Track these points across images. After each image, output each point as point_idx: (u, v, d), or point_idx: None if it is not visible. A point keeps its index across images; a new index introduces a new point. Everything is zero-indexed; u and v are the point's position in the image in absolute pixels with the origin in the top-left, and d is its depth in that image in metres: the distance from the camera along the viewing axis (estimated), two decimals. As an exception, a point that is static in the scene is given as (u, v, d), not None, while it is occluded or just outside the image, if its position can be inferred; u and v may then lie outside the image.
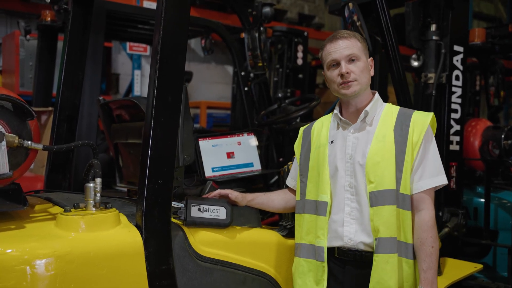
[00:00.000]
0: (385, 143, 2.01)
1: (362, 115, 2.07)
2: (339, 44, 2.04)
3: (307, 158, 2.19)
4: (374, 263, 1.97)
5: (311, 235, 2.12)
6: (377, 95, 2.14)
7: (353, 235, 2.03)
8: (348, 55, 2.03)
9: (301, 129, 2.34)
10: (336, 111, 2.15)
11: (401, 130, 2.03)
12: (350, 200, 2.05)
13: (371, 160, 2.00)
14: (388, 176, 1.98)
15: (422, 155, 2.02)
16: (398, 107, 2.15)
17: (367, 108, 2.07)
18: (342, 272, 2.08)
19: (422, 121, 2.03)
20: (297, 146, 2.32)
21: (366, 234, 2.01)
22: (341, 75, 2.02)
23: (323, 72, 2.16)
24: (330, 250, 2.08)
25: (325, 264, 2.07)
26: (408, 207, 2.00)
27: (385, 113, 2.10)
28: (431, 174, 2.02)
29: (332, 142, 2.13)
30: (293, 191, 2.35)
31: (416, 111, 2.09)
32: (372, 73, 2.11)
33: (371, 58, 2.13)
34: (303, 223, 2.15)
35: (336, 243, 2.06)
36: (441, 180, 2.04)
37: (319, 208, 2.10)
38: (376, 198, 1.98)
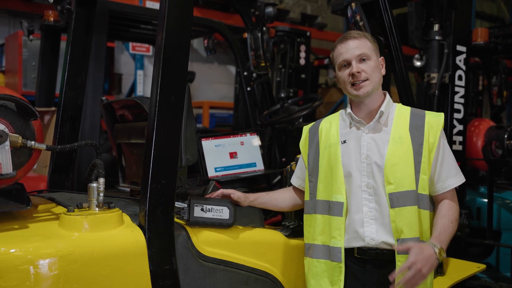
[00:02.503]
0: (402, 144, 2.02)
1: (377, 115, 2.07)
2: (350, 44, 2.05)
3: (317, 158, 2.18)
4: (398, 263, 1.96)
5: (324, 235, 2.11)
6: (388, 95, 2.15)
7: (375, 235, 2.02)
8: (358, 54, 2.03)
9: (306, 127, 2.32)
10: (348, 110, 2.15)
11: (416, 131, 2.04)
12: (368, 200, 2.04)
13: (390, 161, 2.00)
14: (407, 177, 1.99)
15: (442, 155, 2.06)
16: (409, 107, 2.16)
17: (382, 109, 2.07)
18: (363, 271, 2.07)
19: (437, 122, 2.06)
20: (304, 145, 2.29)
21: (387, 234, 2.01)
22: (352, 75, 2.02)
23: (335, 73, 2.16)
24: (349, 250, 2.07)
25: (342, 265, 2.05)
26: (426, 206, 2.02)
27: (397, 114, 2.10)
28: (457, 172, 2.09)
29: (344, 141, 2.11)
30: (297, 190, 2.34)
31: (427, 112, 2.11)
32: (383, 72, 2.12)
33: (382, 57, 2.12)
34: (315, 223, 2.14)
35: (356, 244, 2.05)
36: (463, 177, 2.11)
37: (333, 208, 2.08)
38: (397, 199, 1.98)
